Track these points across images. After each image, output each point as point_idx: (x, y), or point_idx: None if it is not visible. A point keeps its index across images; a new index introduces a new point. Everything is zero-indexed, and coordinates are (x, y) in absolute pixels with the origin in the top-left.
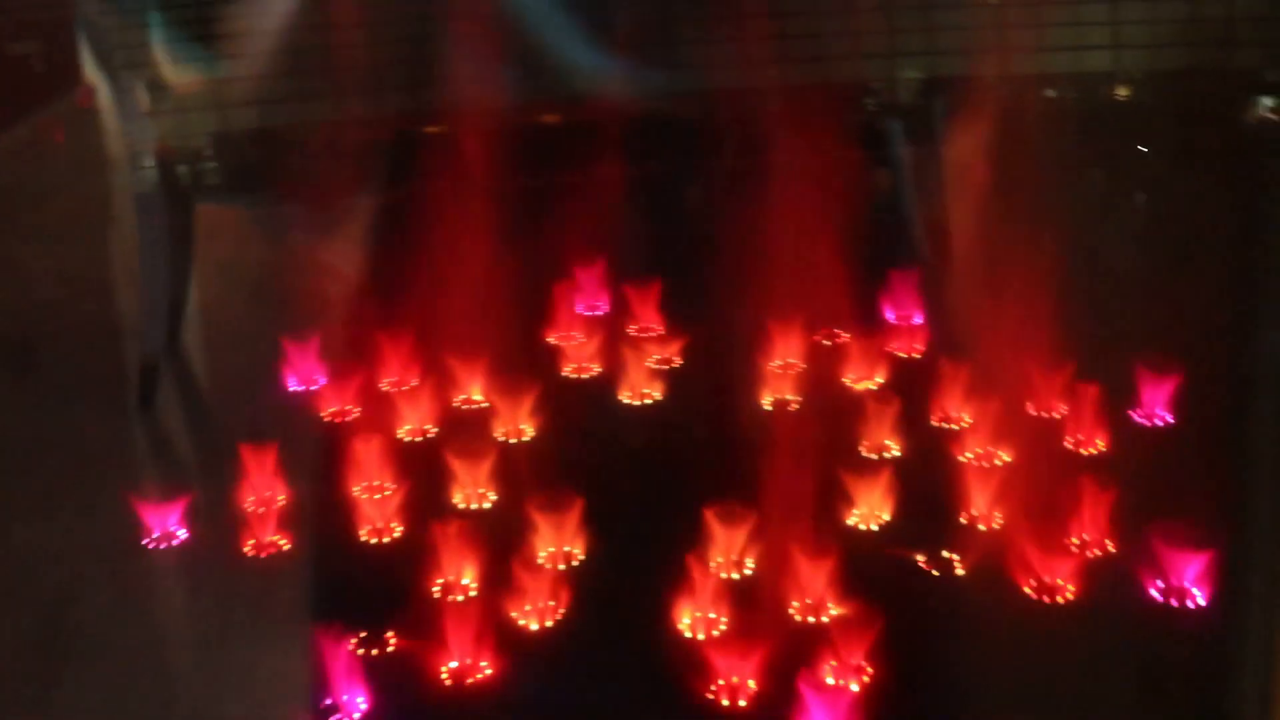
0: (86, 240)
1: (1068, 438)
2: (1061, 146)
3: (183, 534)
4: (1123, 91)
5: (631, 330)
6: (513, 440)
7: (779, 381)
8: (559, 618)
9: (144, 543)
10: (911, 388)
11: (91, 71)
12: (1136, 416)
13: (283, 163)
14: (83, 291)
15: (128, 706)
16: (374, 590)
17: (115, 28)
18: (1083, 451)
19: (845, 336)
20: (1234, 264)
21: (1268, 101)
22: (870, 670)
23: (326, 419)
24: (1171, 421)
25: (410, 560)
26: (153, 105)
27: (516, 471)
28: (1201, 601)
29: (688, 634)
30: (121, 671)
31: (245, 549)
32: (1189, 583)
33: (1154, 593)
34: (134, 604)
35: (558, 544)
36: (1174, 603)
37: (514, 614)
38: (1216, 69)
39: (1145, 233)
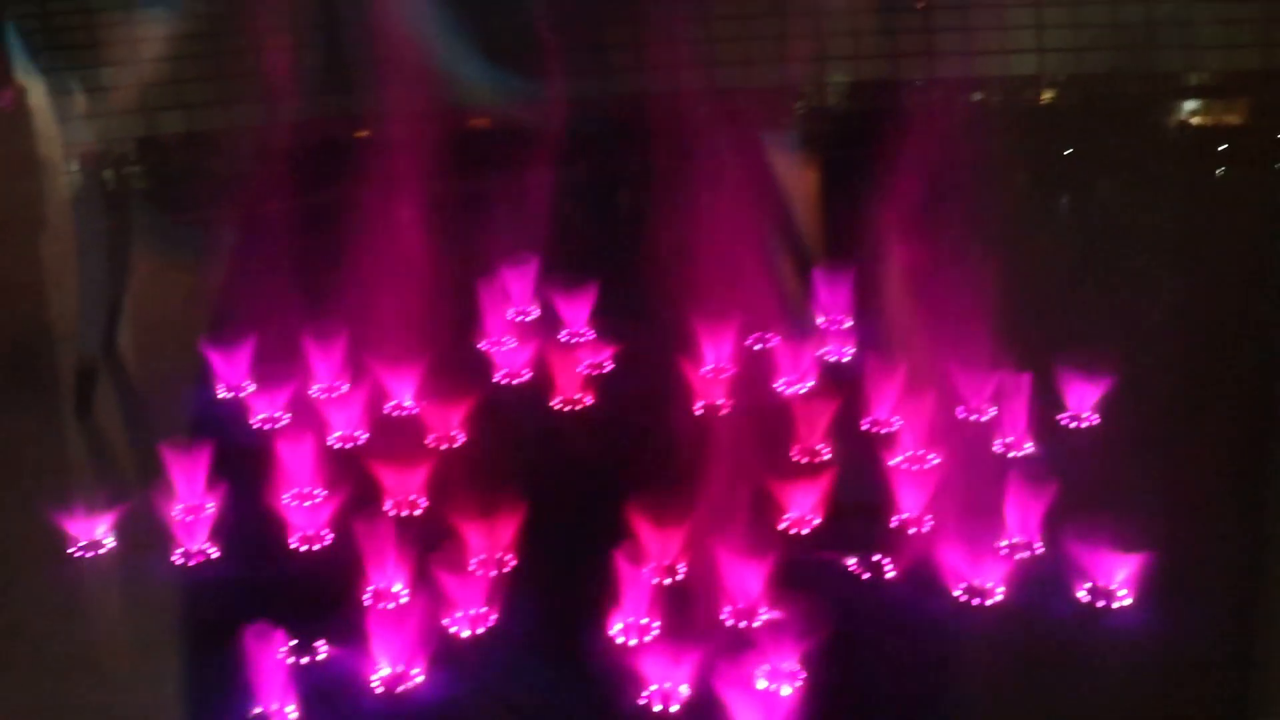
0: (13, 244)
1: (997, 440)
2: (988, 149)
3: (110, 542)
4: (1048, 94)
5: (562, 336)
6: (444, 446)
7: (710, 386)
8: (491, 625)
9: (70, 551)
10: (842, 391)
11: (22, 73)
12: (1064, 419)
13: (210, 167)
14: (14, 296)
15: (56, 716)
16: (304, 598)
17: (45, 30)
18: (1012, 454)
19: (775, 340)
20: (1160, 265)
21: (1189, 105)
22: (803, 674)
23: (256, 426)
24: (1099, 423)
25: (341, 568)
26: (82, 108)
27: (448, 478)
28: (1128, 602)
29: (620, 640)
30: (49, 680)
31: (174, 558)
32: (1116, 584)
33: (1082, 594)
34: (60, 614)
35: (489, 551)
36: (1101, 604)
37: (446, 621)
38: (1140, 72)
39: (1071, 235)
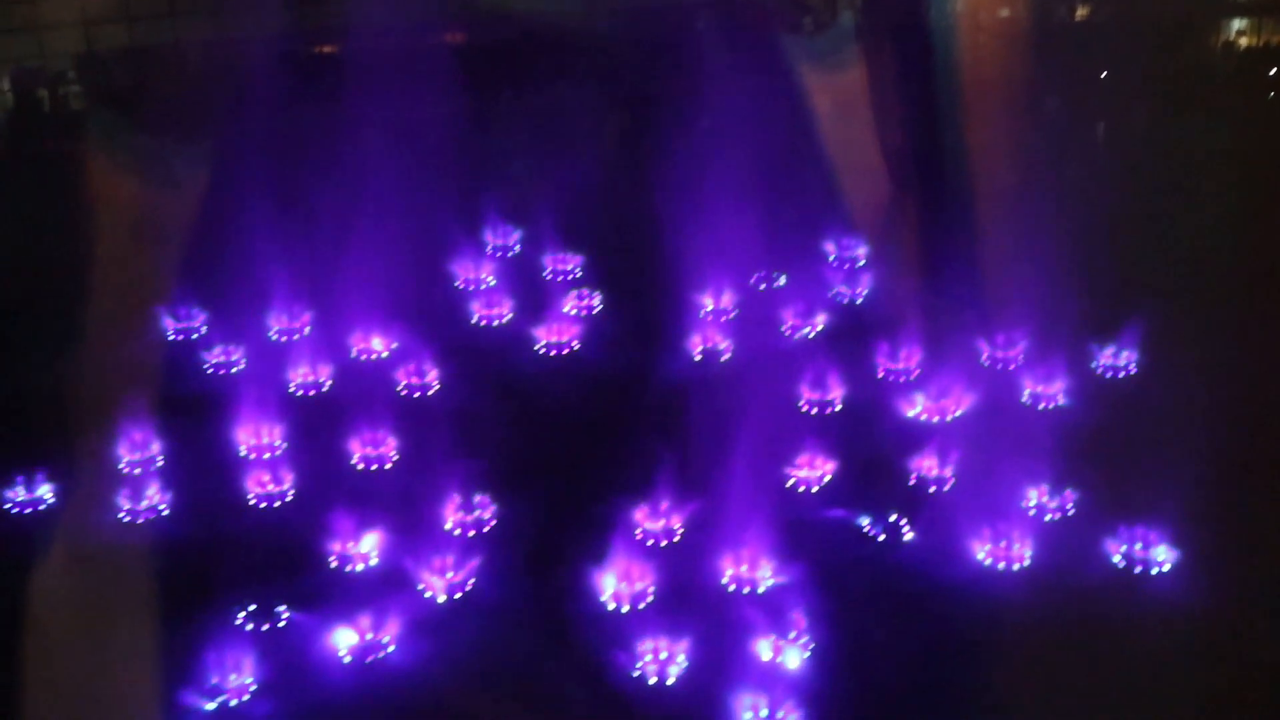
0: None
1: (1026, 390)
2: (1017, 70)
3: (50, 498)
4: (1082, 11)
5: (547, 270)
6: (416, 394)
7: (710, 329)
8: (468, 589)
9: (5, 508)
10: (855, 335)
11: None
12: (1100, 367)
13: (156, 86)
14: None
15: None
16: (263, 559)
17: None
18: (1042, 406)
19: (782, 280)
20: (1205, 199)
21: (1237, 24)
22: (810, 644)
23: (210, 370)
24: (1137, 372)
25: (303, 526)
26: (14, 21)
27: (421, 428)
28: (1166, 567)
29: (610, 605)
30: None
31: (120, 515)
32: (1153, 548)
33: (1116, 559)
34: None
35: (466, 508)
36: (1138, 569)
37: (419, 586)
38: None
39: (1107, 165)
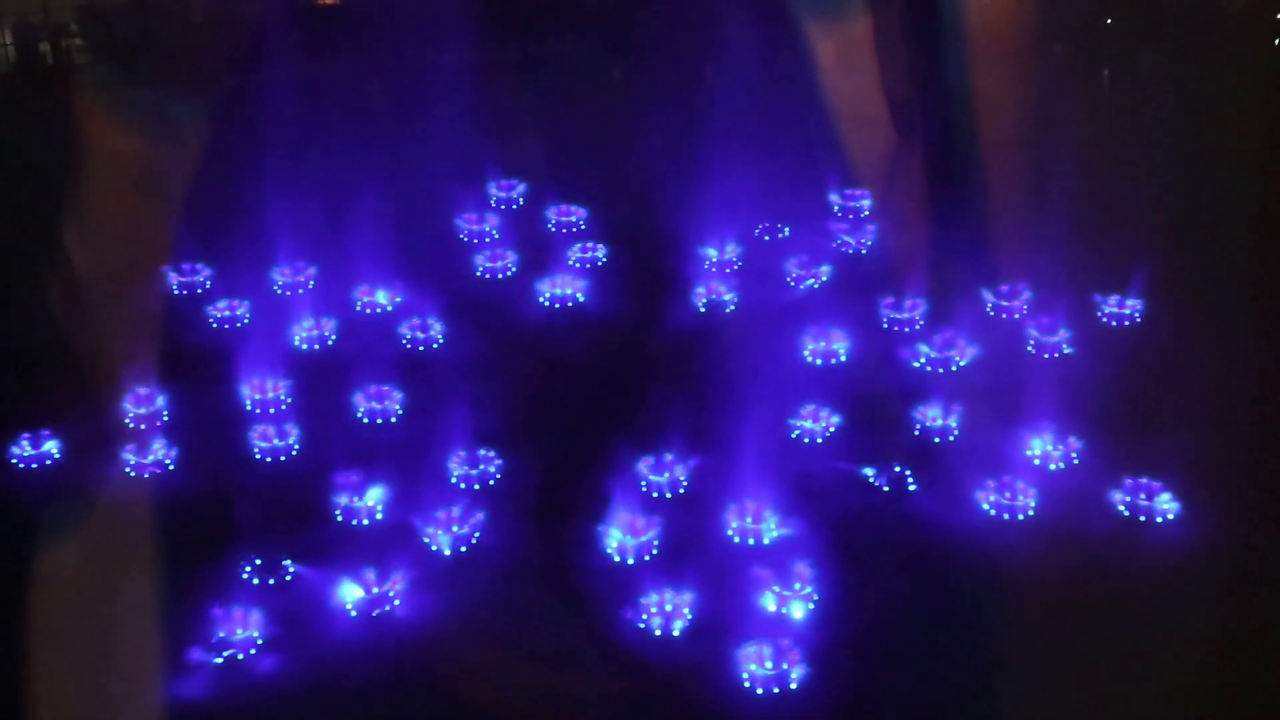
0: None
1: (1030, 338)
2: (1022, 17)
3: (55, 453)
4: None
5: (551, 219)
6: (421, 346)
7: (714, 280)
8: (474, 542)
9: (11, 461)
10: (859, 285)
11: None
12: (1106, 315)
13: (160, 39)
14: None
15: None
16: (269, 512)
17: None
18: (1046, 354)
19: (787, 230)
20: (1212, 149)
21: None
22: (815, 595)
23: (213, 321)
24: (1143, 320)
25: (308, 478)
26: None
27: (425, 381)
28: (1171, 516)
29: (616, 558)
30: None
31: (126, 469)
32: (1159, 497)
33: (1121, 508)
34: (2, 530)
35: (473, 460)
36: (1143, 518)
37: (425, 539)
38: None
39: (1113, 114)
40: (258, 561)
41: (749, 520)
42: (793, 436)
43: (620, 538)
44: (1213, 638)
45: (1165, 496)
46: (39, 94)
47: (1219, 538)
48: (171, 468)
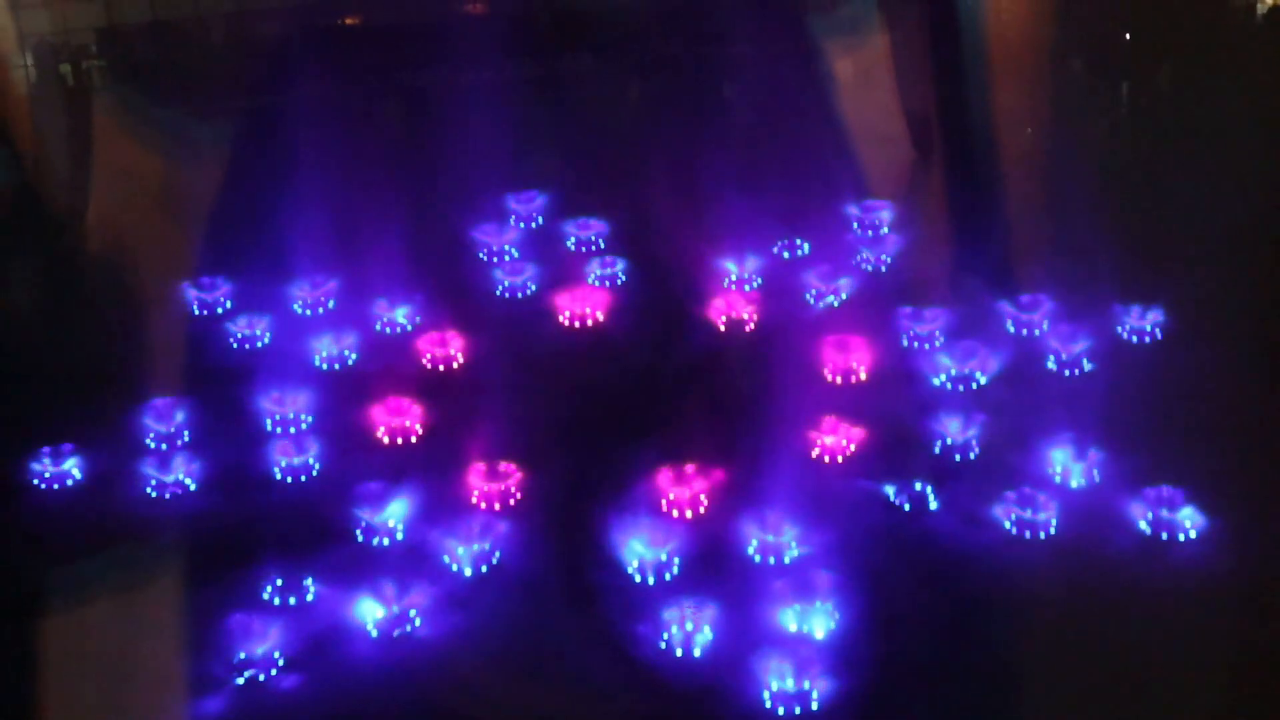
0: None
1: (1050, 356)
2: (1040, 32)
3: (77, 473)
4: None
5: (570, 239)
6: (441, 366)
7: (734, 297)
8: (495, 562)
9: (34, 482)
10: (880, 300)
11: None
12: (1127, 332)
13: (179, 60)
14: None
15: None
16: (290, 533)
17: None
18: (1066, 373)
19: (806, 247)
20: (1232, 164)
21: None
22: (837, 615)
23: (235, 343)
24: (1164, 338)
25: (329, 499)
26: None
27: (445, 399)
28: (1194, 534)
29: (636, 579)
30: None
31: (148, 489)
32: (1182, 515)
33: (1143, 525)
34: (25, 550)
35: (493, 481)
36: (1165, 536)
37: (445, 558)
38: None
39: (1127, 128)
40: (278, 581)
41: (770, 537)
42: (814, 454)
43: (641, 555)
44: (1244, 658)
45: (1188, 510)
46: (59, 114)
47: (1249, 554)
48: (193, 487)
